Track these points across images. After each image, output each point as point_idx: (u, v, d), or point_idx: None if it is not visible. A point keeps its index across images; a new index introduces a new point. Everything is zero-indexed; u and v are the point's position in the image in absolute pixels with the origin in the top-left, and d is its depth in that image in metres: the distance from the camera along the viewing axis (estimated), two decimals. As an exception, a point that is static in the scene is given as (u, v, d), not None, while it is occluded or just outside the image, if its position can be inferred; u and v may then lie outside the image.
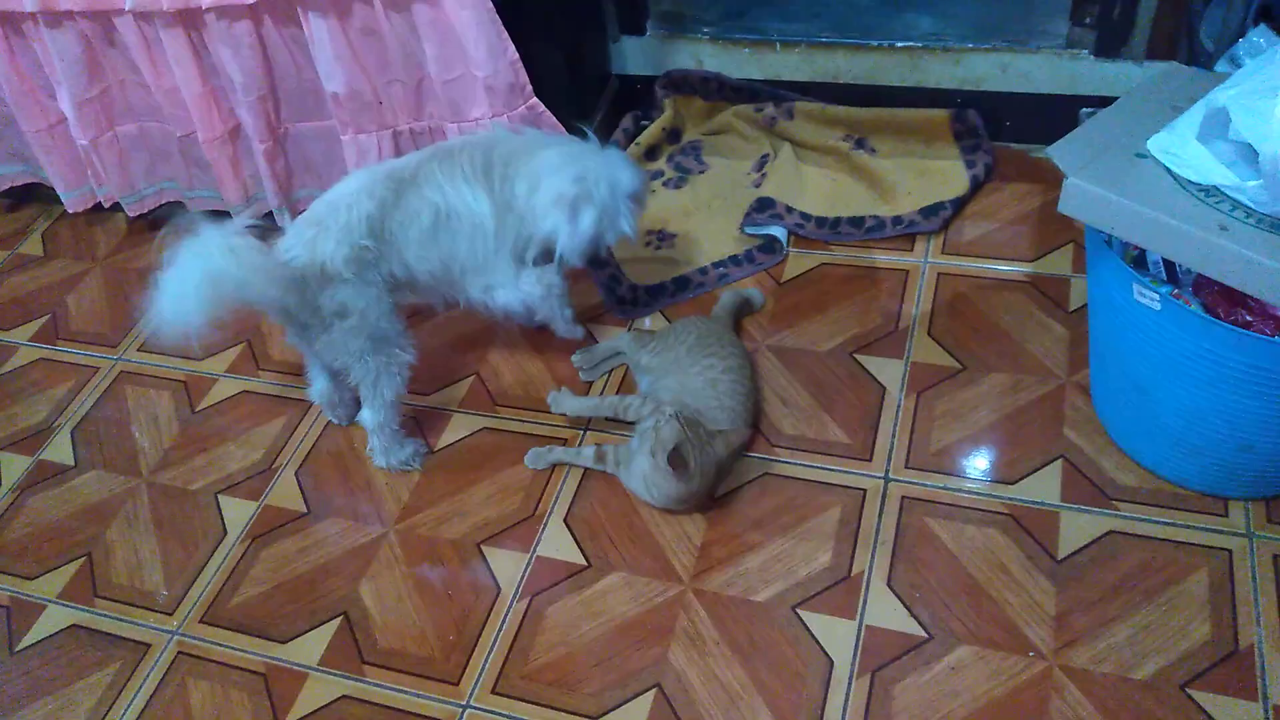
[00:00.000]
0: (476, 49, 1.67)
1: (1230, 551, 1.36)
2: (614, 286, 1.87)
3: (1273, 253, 1.13)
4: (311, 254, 1.44)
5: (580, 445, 1.62)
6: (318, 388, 1.68)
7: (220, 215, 2.11)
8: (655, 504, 1.49)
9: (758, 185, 2.00)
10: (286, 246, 1.46)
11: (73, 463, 1.77)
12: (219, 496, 1.68)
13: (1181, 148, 1.26)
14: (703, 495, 1.47)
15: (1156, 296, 1.25)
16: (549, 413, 1.68)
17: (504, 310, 1.60)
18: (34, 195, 2.32)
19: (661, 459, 1.37)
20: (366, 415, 1.61)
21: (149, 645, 1.50)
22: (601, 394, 1.69)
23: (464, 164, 1.50)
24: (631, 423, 1.57)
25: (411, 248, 1.49)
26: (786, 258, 1.87)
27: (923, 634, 1.33)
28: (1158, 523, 1.40)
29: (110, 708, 1.43)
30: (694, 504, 1.48)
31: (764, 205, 1.92)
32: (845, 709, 1.28)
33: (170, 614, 1.53)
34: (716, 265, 1.87)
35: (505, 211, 1.51)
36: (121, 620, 1.53)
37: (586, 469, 1.59)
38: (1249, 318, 1.23)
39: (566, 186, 1.49)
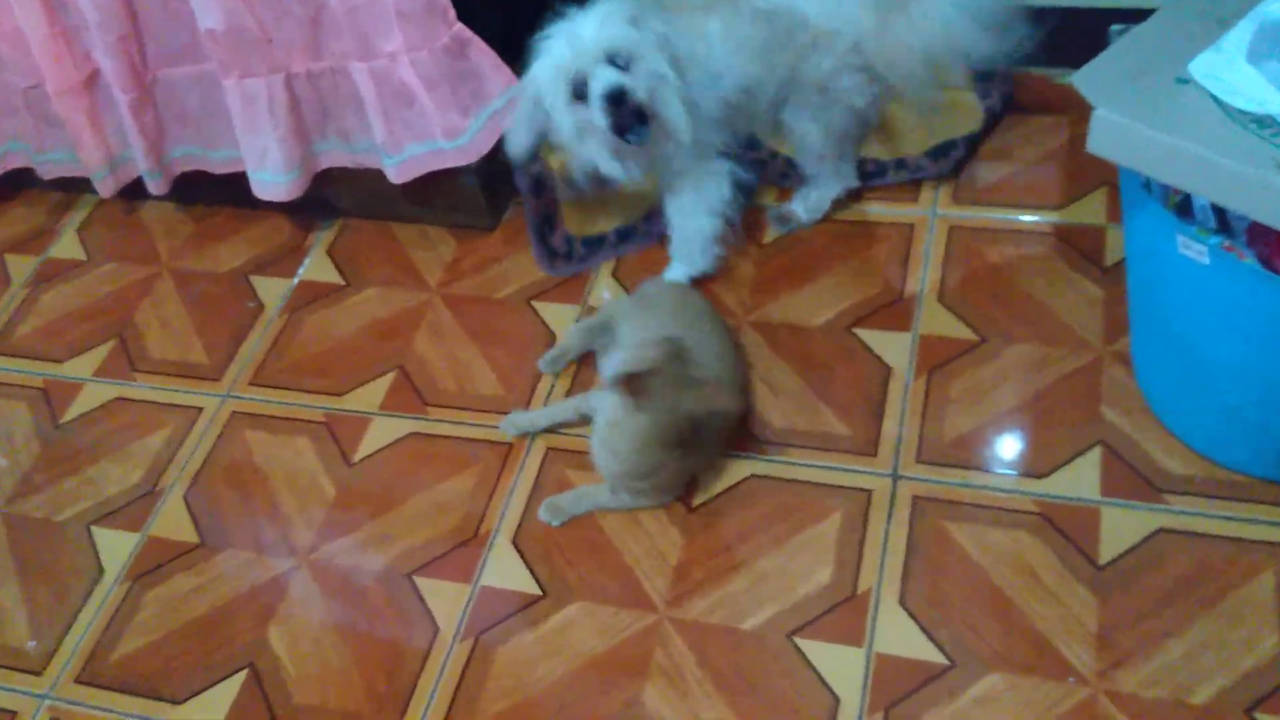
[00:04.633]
0: (385, -33, 1.66)
1: (1300, 548, 1.39)
2: (546, 234, 1.88)
3: (1340, 196, 1.14)
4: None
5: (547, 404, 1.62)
6: None
7: (78, 182, 2.09)
8: (613, 470, 1.48)
9: None
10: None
11: (-90, 494, 1.76)
12: (92, 528, 1.67)
13: (1230, 70, 1.27)
14: (668, 468, 1.46)
15: (1205, 249, 1.26)
16: (489, 411, 1.69)
17: None
18: None
19: (617, 382, 1.37)
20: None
21: (15, 713, 1.49)
22: (551, 401, 1.68)
23: None
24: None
25: None
26: (764, 212, 1.87)
27: (944, 661, 1.35)
28: (1215, 517, 1.42)
29: (-30, 791, 1.42)
30: (662, 481, 1.49)
31: (747, 145, 1.92)
32: (854, 753, 1.30)
33: (39, 674, 1.52)
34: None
35: None
36: (-21, 684, 1.52)
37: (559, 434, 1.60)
38: (1314, 272, 1.24)
39: None
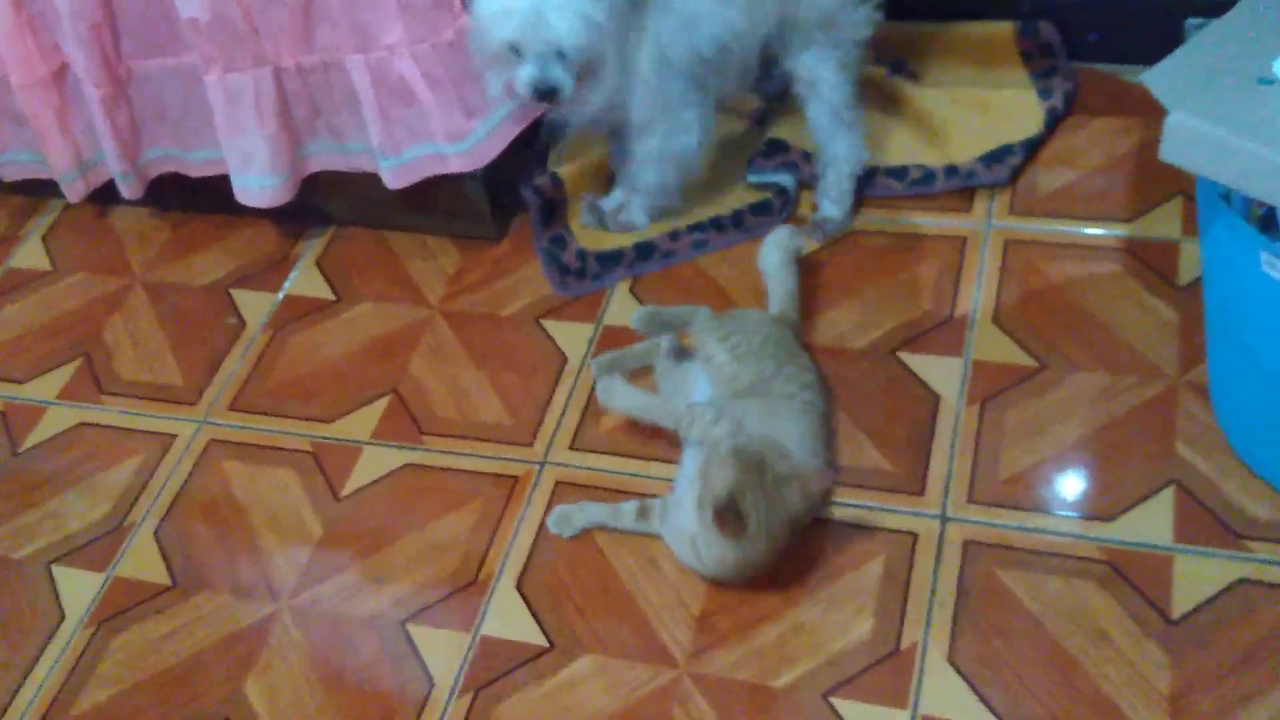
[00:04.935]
0: (385, -50, 1.68)
1: (1398, 602, 1.38)
2: (557, 252, 1.90)
3: None
4: None
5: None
6: None
7: (44, 185, 2.11)
8: (705, 573, 1.48)
9: (758, 122, 2.02)
10: None
11: None
12: (52, 567, 1.68)
13: (1320, 70, 1.28)
14: (770, 563, 1.45)
15: (1292, 268, 1.27)
16: (493, 440, 1.70)
17: None
18: None
19: (707, 512, 1.36)
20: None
21: (-36, 771, 1.50)
22: (561, 431, 1.67)
23: None
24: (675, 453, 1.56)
25: None
26: (799, 224, 1.88)
27: (997, 725, 1.35)
28: (1302, 566, 1.42)
29: None
30: (758, 573, 1.47)
31: (774, 149, 1.94)
32: (896, 827, 1.29)
33: (-8, 728, 1.53)
34: (692, 229, 1.89)
35: None
36: (-74, 739, 1.53)
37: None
38: None
39: None
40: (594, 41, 1.59)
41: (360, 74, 1.77)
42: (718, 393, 1.55)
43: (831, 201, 1.85)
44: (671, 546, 1.51)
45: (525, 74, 1.60)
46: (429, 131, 1.80)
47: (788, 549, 1.45)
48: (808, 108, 1.81)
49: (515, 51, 1.59)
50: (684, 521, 1.45)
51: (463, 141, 1.80)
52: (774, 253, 1.72)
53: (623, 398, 1.61)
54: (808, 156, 1.92)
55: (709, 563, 1.44)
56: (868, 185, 1.89)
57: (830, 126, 1.80)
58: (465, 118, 1.78)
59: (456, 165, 1.82)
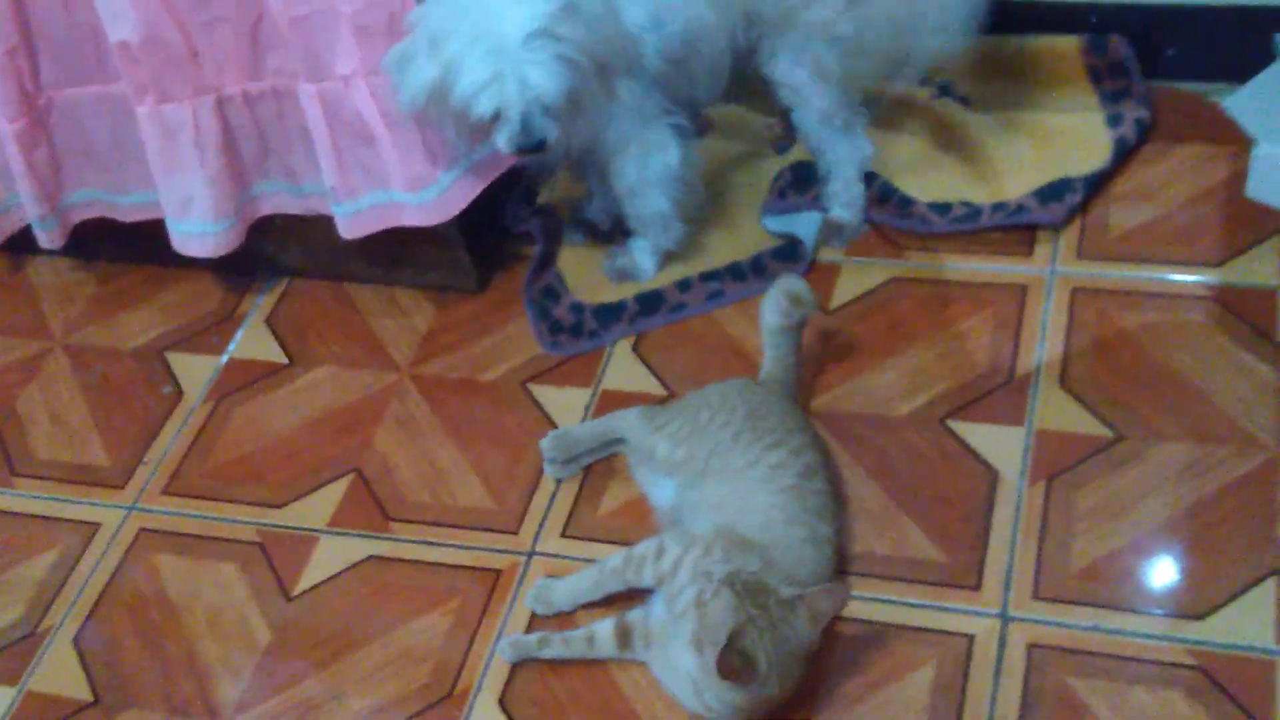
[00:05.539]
0: (341, -33, 1.70)
1: None
2: (548, 305, 1.91)
3: None
4: None
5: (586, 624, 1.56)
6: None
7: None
8: (711, 717, 1.46)
9: (782, 150, 2.05)
10: None
11: None
12: (-45, 682, 1.67)
13: None
14: (786, 697, 1.44)
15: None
16: (471, 528, 1.70)
17: None
18: None
19: (710, 657, 1.35)
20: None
21: None
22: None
23: None
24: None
25: None
26: (831, 269, 1.90)
27: None
28: None
29: None
30: (773, 709, 1.45)
31: (799, 177, 1.97)
32: None
33: None
34: (706, 278, 1.90)
35: None
36: None
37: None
38: None
39: None
40: (575, 80, 1.62)
41: (313, 105, 1.79)
42: (679, 482, 1.58)
43: (842, 206, 1.92)
44: (665, 685, 1.49)
45: (508, 133, 1.64)
46: (386, 176, 1.80)
47: (802, 678, 1.43)
48: (794, 115, 1.88)
49: (496, 115, 1.63)
50: (679, 660, 1.43)
51: (425, 191, 1.80)
52: (770, 315, 1.69)
53: (562, 595, 1.59)
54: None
55: (715, 708, 1.42)
56: (905, 218, 1.91)
57: (822, 133, 1.88)
58: (428, 164, 1.79)
59: (414, 218, 1.82)
